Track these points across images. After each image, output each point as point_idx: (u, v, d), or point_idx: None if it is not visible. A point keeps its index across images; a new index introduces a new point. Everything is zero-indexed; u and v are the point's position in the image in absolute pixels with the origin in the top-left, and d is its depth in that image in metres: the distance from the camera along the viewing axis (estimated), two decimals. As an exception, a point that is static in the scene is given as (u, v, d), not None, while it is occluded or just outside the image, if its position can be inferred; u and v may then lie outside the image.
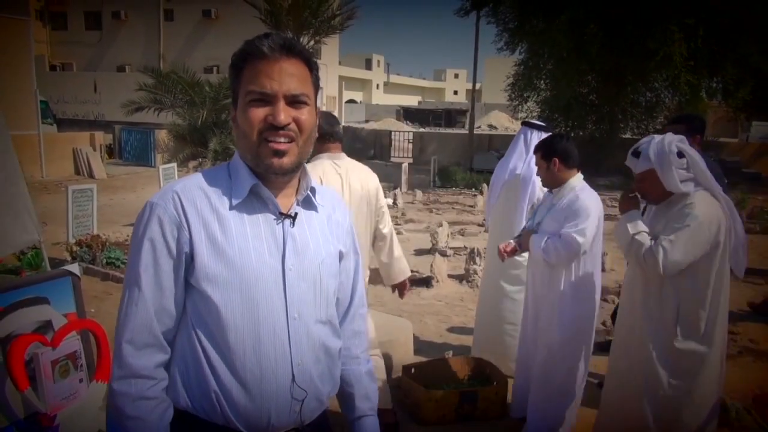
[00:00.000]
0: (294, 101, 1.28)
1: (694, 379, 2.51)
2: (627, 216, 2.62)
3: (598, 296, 3.17)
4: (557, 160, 3.10)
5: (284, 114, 1.26)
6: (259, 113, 1.26)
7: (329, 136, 2.96)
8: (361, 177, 3.03)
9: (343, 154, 3.04)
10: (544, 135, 3.91)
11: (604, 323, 5.14)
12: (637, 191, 2.64)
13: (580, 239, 2.95)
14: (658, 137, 2.57)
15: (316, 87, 1.35)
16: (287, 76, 1.26)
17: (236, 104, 1.32)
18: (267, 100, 1.26)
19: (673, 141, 2.50)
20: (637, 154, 2.57)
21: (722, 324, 2.52)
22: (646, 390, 2.57)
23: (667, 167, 2.45)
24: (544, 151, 3.19)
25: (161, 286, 1.26)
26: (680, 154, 2.46)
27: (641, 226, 2.55)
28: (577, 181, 3.13)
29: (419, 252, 7.81)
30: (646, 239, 2.49)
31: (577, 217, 2.98)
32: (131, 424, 1.23)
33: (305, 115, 1.29)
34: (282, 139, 1.27)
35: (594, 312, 3.16)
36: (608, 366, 2.83)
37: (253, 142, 1.28)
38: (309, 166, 1.53)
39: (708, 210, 2.42)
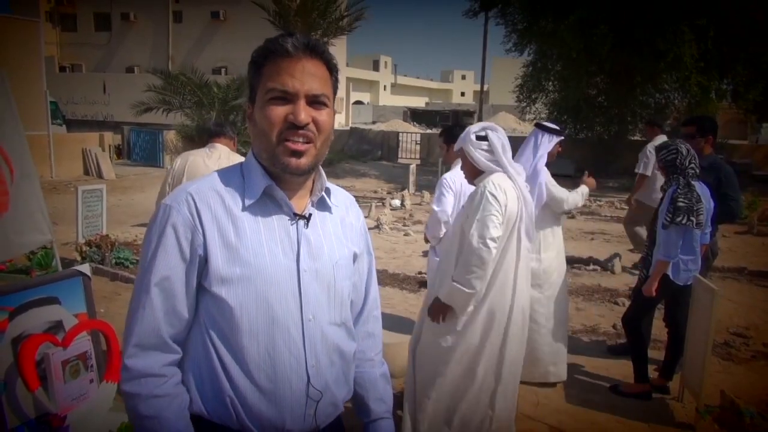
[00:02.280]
0: (314, 101, 1.26)
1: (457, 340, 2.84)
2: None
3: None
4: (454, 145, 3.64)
5: (305, 113, 1.24)
6: (279, 112, 1.25)
7: (214, 133, 4.20)
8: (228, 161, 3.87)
9: (220, 146, 4.12)
10: (556, 138, 3.89)
11: (614, 326, 5.11)
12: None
13: (434, 206, 3.72)
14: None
15: (335, 89, 1.34)
16: (309, 76, 1.25)
17: (254, 101, 1.30)
18: (288, 98, 1.25)
19: (476, 126, 2.94)
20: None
21: (501, 295, 2.81)
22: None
23: (469, 149, 2.88)
24: (445, 136, 4.00)
25: (172, 290, 1.24)
26: (484, 138, 2.85)
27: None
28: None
29: (428, 253, 7.77)
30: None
31: (438, 188, 3.76)
32: (148, 423, 1.22)
33: (324, 116, 1.28)
34: (300, 140, 1.25)
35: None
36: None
37: (272, 141, 1.26)
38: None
39: (499, 187, 2.75)
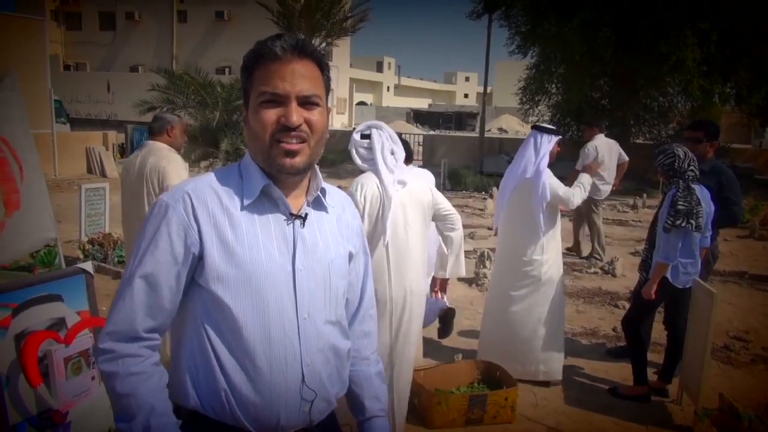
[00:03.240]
0: (306, 102, 1.28)
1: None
2: None
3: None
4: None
5: (296, 115, 1.26)
6: (271, 114, 1.27)
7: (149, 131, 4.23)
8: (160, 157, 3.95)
9: (153, 143, 4.09)
10: (554, 138, 3.92)
11: (614, 329, 5.12)
12: None
13: None
14: None
15: (327, 88, 1.36)
16: (299, 77, 1.27)
17: (248, 105, 1.32)
18: (279, 101, 1.26)
19: (362, 125, 2.97)
20: None
21: (378, 286, 2.77)
22: None
23: (351, 150, 2.95)
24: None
25: (157, 286, 1.25)
26: (367, 136, 2.89)
27: None
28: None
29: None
30: None
31: None
32: (125, 402, 1.22)
33: (316, 116, 1.30)
34: (294, 140, 1.27)
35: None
36: None
37: (265, 143, 1.28)
38: None
39: (361, 189, 2.83)
